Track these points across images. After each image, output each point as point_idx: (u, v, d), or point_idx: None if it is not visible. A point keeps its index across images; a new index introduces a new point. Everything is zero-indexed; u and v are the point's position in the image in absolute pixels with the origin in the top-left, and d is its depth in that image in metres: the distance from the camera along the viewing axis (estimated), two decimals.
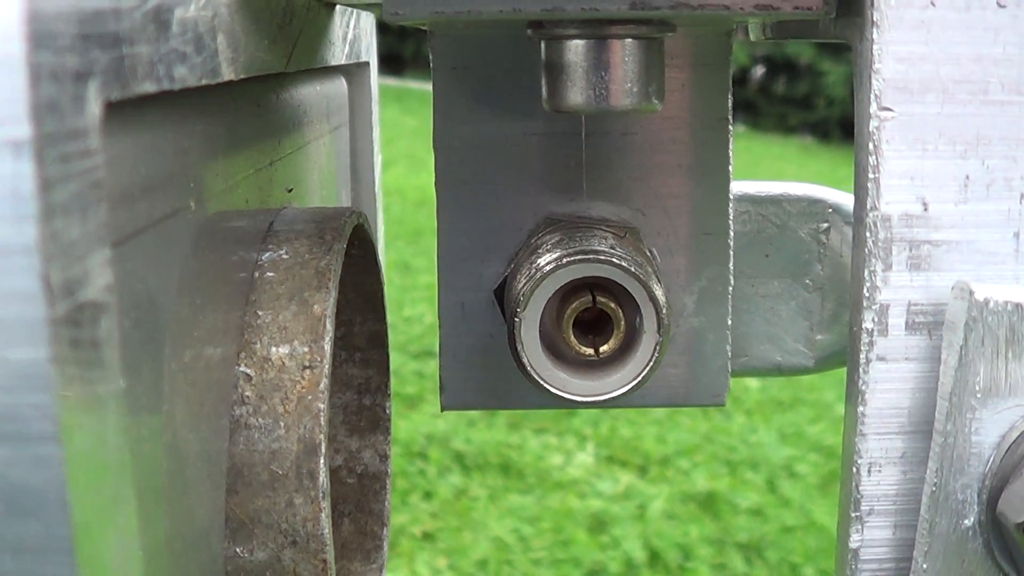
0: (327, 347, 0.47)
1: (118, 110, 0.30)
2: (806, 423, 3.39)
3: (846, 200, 0.68)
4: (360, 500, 0.64)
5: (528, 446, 3.13)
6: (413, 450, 3.02)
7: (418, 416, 3.19)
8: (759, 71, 10.81)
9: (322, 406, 0.46)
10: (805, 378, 3.68)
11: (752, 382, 3.64)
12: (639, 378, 0.55)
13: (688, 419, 3.37)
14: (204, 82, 0.37)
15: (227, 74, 0.40)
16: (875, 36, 0.43)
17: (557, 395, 0.56)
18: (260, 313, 0.47)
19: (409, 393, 3.29)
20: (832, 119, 10.35)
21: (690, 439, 3.23)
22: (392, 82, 9.59)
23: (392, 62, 10.37)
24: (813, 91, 10.53)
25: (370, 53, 0.79)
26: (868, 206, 0.43)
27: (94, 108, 0.27)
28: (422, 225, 4.96)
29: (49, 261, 0.25)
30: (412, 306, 3.97)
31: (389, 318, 0.64)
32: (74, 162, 0.26)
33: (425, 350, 3.56)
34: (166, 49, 0.33)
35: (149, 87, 0.32)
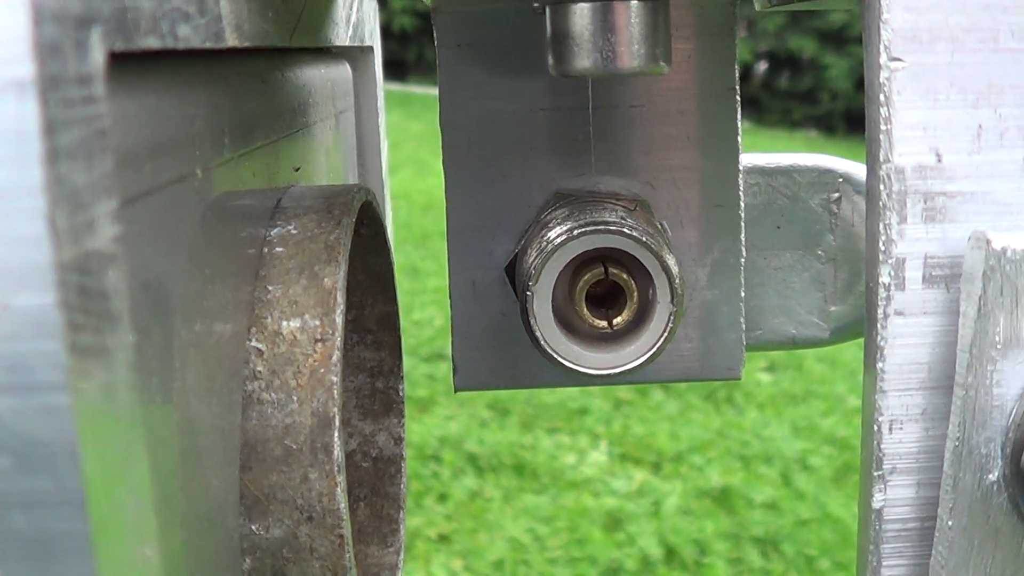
0: (338, 320, 0.46)
1: (122, 65, 0.30)
2: (819, 416, 3.39)
3: (857, 169, 0.68)
4: (376, 484, 0.64)
5: (541, 446, 3.13)
6: (426, 453, 3.02)
7: (430, 419, 3.19)
8: (762, 66, 10.80)
9: (335, 379, 0.45)
10: (816, 371, 3.69)
11: (764, 376, 3.64)
12: (654, 349, 0.55)
13: (701, 415, 3.37)
14: (208, 45, 0.37)
15: (231, 39, 0.40)
16: None
17: (571, 369, 0.55)
18: (270, 288, 0.47)
19: (421, 396, 3.29)
20: (836, 112, 10.35)
21: (703, 435, 3.23)
22: (396, 87, 9.60)
23: (395, 67, 10.37)
24: (816, 85, 10.52)
25: (374, 38, 0.79)
26: (881, 159, 0.43)
27: (97, 56, 0.27)
28: (429, 229, 4.97)
29: (55, 204, 0.24)
30: (421, 309, 3.97)
31: (399, 305, 0.63)
32: (78, 107, 0.26)
33: (436, 353, 3.56)
34: (169, 7, 0.33)
35: (152, 42, 0.31)
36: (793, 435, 3.26)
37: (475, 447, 3.08)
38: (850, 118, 9.98)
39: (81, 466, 0.25)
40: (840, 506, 2.82)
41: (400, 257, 4.38)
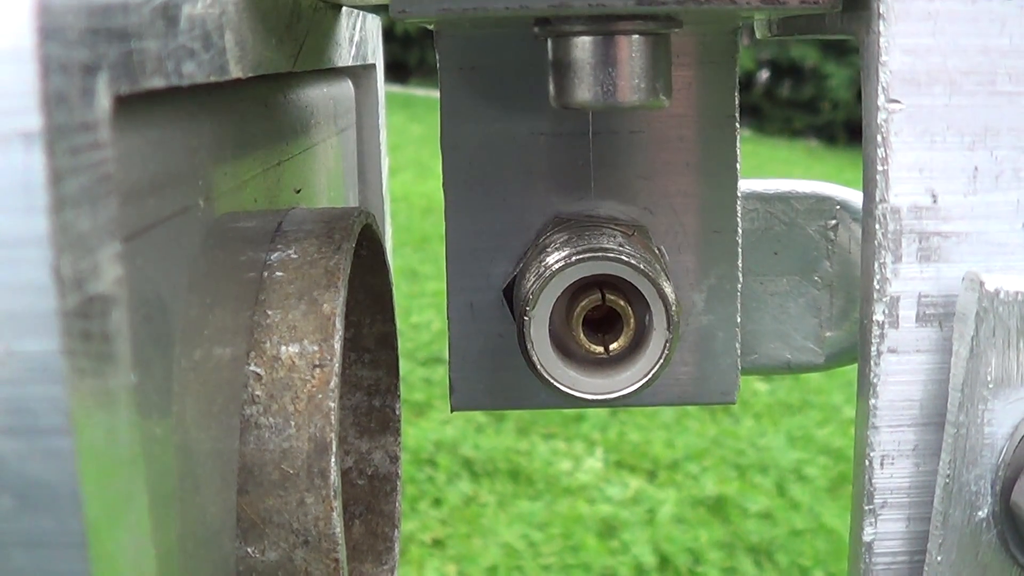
0: (337, 346, 0.47)
1: (127, 105, 0.30)
2: (814, 426, 3.39)
3: (854, 197, 0.68)
4: (371, 502, 0.64)
5: (537, 452, 3.13)
6: (422, 457, 3.02)
7: (427, 423, 3.19)
8: (764, 75, 10.80)
9: (332, 405, 0.46)
10: (813, 381, 3.68)
11: (760, 385, 3.64)
12: (649, 376, 0.55)
13: (697, 423, 3.37)
14: (212, 79, 0.37)
15: (235, 72, 0.40)
16: (882, 29, 0.43)
17: (567, 394, 0.56)
18: (269, 312, 0.47)
19: (417, 400, 3.29)
20: (837, 122, 10.34)
21: (699, 443, 3.23)
22: (397, 89, 9.60)
23: (397, 70, 10.37)
24: (818, 94, 10.52)
25: (376, 56, 0.79)
26: (877, 198, 0.43)
27: (103, 101, 0.27)
28: (429, 232, 4.97)
29: (59, 253, 0.25)
30: (419, 313, 3.97)
31: (397, 325, 0.63)
32: (84, 154, 0.26)
33: (433, 356, 3.55)
34: (174, 45, 0.33)
35: (158, 82, 0.32)
36: (789, 445, 3.26)
37: (471, 452, 3.08)
38: (851, 128, 9.97)
39: (82, 508, 0.26)
40: (835, 517, 2.82)
41: (399, 260, 4.38)
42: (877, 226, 0.43)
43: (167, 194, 0.36)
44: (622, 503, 2.90)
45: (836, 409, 3.49)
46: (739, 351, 0.64)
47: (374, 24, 0.78)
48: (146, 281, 0.34)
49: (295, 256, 0.49)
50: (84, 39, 0.26)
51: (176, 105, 0.37)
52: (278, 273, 0.49)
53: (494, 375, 0.65)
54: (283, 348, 0.47)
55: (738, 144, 0.63)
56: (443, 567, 2.58)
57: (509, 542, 2.68)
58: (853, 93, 9.94)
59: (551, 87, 0.51)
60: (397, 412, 0.64)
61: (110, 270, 0.28)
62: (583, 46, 0.49)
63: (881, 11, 0.43)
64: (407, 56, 10.74)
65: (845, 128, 10.18)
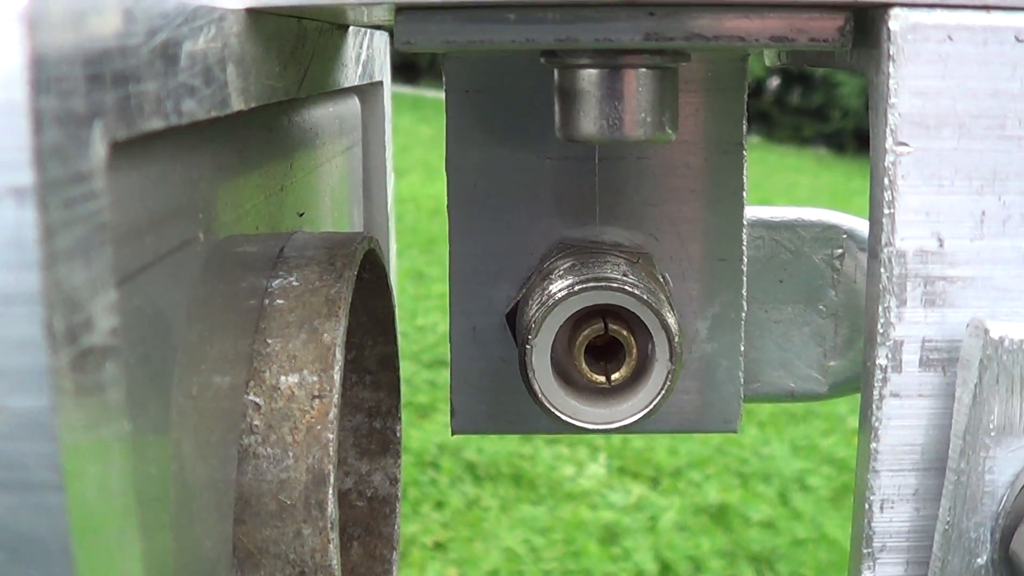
0: (336, 377, 0.46)
1: (124, 147, 0.30)
2: (818, 436, 3.38)
3: (861, 226, 0.68)
4: (369, 523, 0.64)
5: (540, 457, 3.13)
6: (425, 460, 3.01)
7: (430, 425, 3.19)
8: (774, 82, 10.79)
9: (331, 436, 0.45)
10: None
11: None
12: (651, 406, 0.55)
13: None
14: (213, 114, 0.37)
15: (237, 105, 0.40)
16: (891, 70, 0.42)
17: (568, 422, 0.56)
18: (269, 341, 0.47)
19: (421, 402, 3.29)
20: (847, 130, 10.33)
21: (702, 451, 3.22)
22: (407, 90, 9.60)
23: (407, 71, 10.39)
24: (828, 102, 10.51)
25: (383, 72, 0.79)
26: (883, 241, 0.43)
27: (99, 150, 0.27)
28: (436, 234, 4.96)
29: (52, 309, 0.24)
30: (425, 315, 3.96)
31: (402, 327, 0.63)
32: (78, 206, 0.26)
33: (438, 359, 3.55)
34: (174, 84, 0.33)
35: (156, 124, 0.31)
36: (792, 454, 3.26)
37: (474, 455, 3.08)
38: (860, 136, 9.95)
39: (74, 563, 0.26)
40: (837, 527, 2.82)
41: (406, 262, 4.38)
42: (882, 269, 0.43)
43: (166, 230, 0.36)
44: (624, 509, 2.89)
45: (840, 419, 3.48)
46: (742, 379, 0.64)
47: (381, 40, 0.78)
48: (143, 319, 0.34)
49: (296, 284, 0.49)
50: (79, 88, 0.26)
51: (175, 140, 0.37)
52: (279, 301, 0.48)
53: (496, 399, 0.65)
54: (282, 378, 0.46)
55: (745, 172, 0.62)
56: (444, 570, 2.58)
57: (511, 546, 2.68)
58: (863, 101, 9.93)
59: (556, 118, 0.51)
60: (398, 434, 0.64)
61: (105, 321, 0.27)
62: (589, 78, 0.48)
63: (891, 52, 0.42)
64: (417, 57, 10.73)
65: (854, 136, 10.17)
